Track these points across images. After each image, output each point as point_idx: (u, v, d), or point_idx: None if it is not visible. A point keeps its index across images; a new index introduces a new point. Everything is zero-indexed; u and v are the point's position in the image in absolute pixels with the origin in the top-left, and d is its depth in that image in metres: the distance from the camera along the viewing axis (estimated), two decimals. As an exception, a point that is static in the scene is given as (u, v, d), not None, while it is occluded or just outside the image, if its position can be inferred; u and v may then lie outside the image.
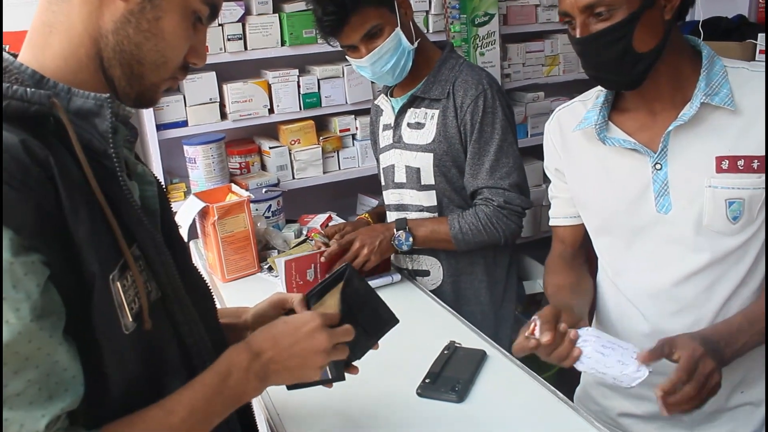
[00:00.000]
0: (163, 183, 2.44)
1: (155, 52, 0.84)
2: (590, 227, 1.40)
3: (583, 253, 1.50)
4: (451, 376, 1.35)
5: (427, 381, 1.34)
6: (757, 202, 1.18)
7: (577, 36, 1.16)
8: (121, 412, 0.80)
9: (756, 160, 1.16)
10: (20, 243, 0.69)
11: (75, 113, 0.81)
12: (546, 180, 1.50)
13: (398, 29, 1.74)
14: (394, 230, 1.82)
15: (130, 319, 0.80)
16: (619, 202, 1.29)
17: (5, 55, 0.82)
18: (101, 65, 0.84)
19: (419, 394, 1.32)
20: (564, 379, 1.57)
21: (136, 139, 0.95)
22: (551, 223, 1.51)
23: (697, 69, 1.20)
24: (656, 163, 1.23)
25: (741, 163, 1.17)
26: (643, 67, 1.16)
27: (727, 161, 1.17)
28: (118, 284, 0.79)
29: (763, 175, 1.16)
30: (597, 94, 1.32)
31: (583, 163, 1.35)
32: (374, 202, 2.56)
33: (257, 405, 1.38)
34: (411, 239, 1.82)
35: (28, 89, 0.74)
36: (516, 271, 2.04)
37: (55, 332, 0.73)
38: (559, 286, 1.42)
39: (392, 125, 1.91)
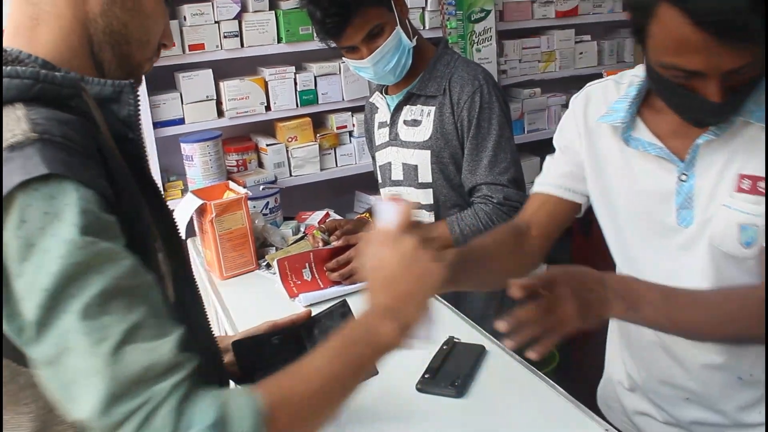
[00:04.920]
0: (160, 181, 2.45)
1: (140, 29, 0.86)
2: (605, 228, 1.30)
3: (543, 243, 1.34)
4: (450, 371, 1.35)
5: (426, 376, 1.34)
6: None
7: (717, 101, 0.99)
8: None
9: None
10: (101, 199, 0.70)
11: (93, 99, 0.82)
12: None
13: (398, 27, 1.74)
14: None
15: (172, 291, 0.83)
16: (638, 208, 1.20)
17: (10, 46, 0.81)
18: (91, 50, 0.84)
19: (419, 390, 1.32)
20: (564, 374, 1.57)
21: None
22: (532, 190, 1.36)
23: None
24: (682, 173, 1.13)
25: (761, 185, 1.07)
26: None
27: (750, 181, 1.07)
28: (160, 255, 0.81)
29: None
30: (630, 81, 1.21)
31: (607, 158, 1.24)
32: (372, 199, 2.56)
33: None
34: None
35: (58, 73, 0.75)
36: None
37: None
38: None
39: (388, 123, 1.91)
